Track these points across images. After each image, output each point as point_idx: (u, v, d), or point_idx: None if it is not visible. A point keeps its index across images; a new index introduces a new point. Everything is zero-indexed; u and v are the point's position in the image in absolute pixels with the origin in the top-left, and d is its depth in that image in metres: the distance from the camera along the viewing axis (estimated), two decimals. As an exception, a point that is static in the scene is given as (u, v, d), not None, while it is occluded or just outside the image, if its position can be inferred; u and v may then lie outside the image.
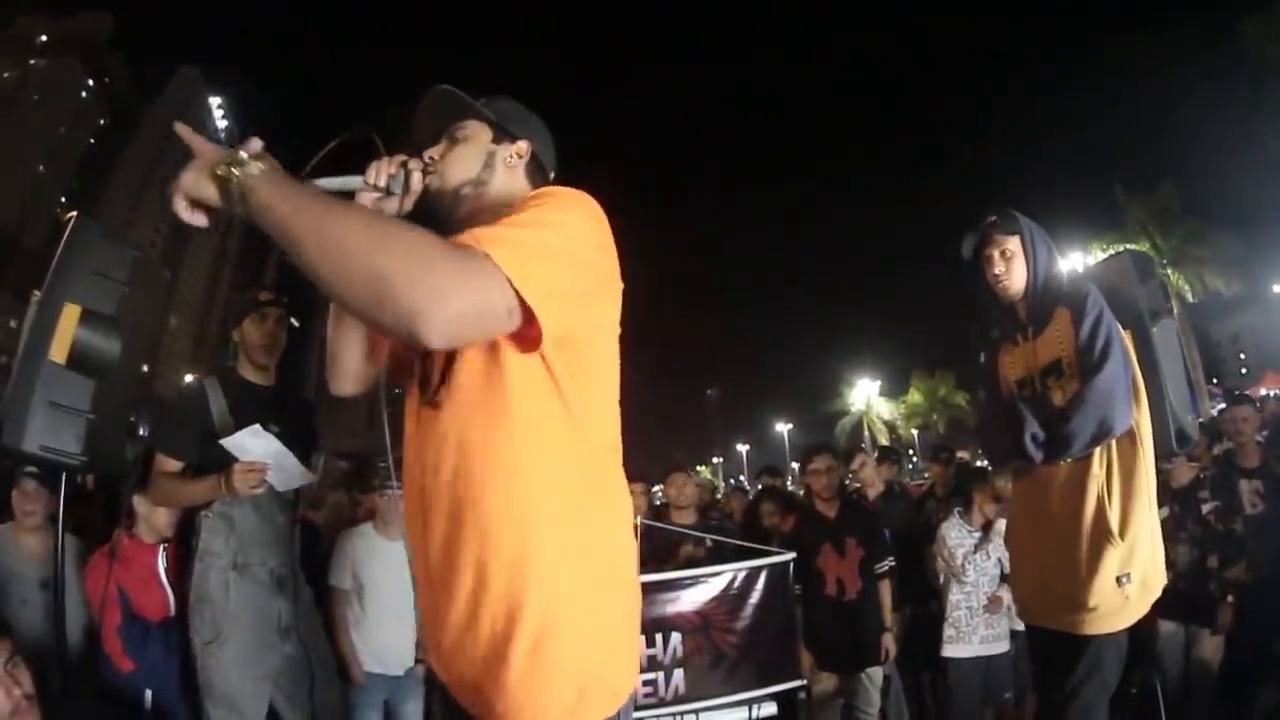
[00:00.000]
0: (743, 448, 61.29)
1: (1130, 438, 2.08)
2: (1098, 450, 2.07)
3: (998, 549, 3.85)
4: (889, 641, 3.76)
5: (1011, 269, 2.25)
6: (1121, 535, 2.02)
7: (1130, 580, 2.02)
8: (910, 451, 35.67)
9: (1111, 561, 2.01)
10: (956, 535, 3.99)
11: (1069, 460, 2.11)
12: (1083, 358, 2.10)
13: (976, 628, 3.85)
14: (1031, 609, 2.30)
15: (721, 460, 66.18)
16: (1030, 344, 2.27)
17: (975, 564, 3.91)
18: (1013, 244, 2.24)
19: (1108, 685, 2.07)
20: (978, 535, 3.96)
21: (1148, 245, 23.25)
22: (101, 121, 66.13)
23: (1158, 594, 2.09)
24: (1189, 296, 23.93)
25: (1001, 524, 3.81)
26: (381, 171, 1.25)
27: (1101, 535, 2.03)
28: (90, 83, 67.05)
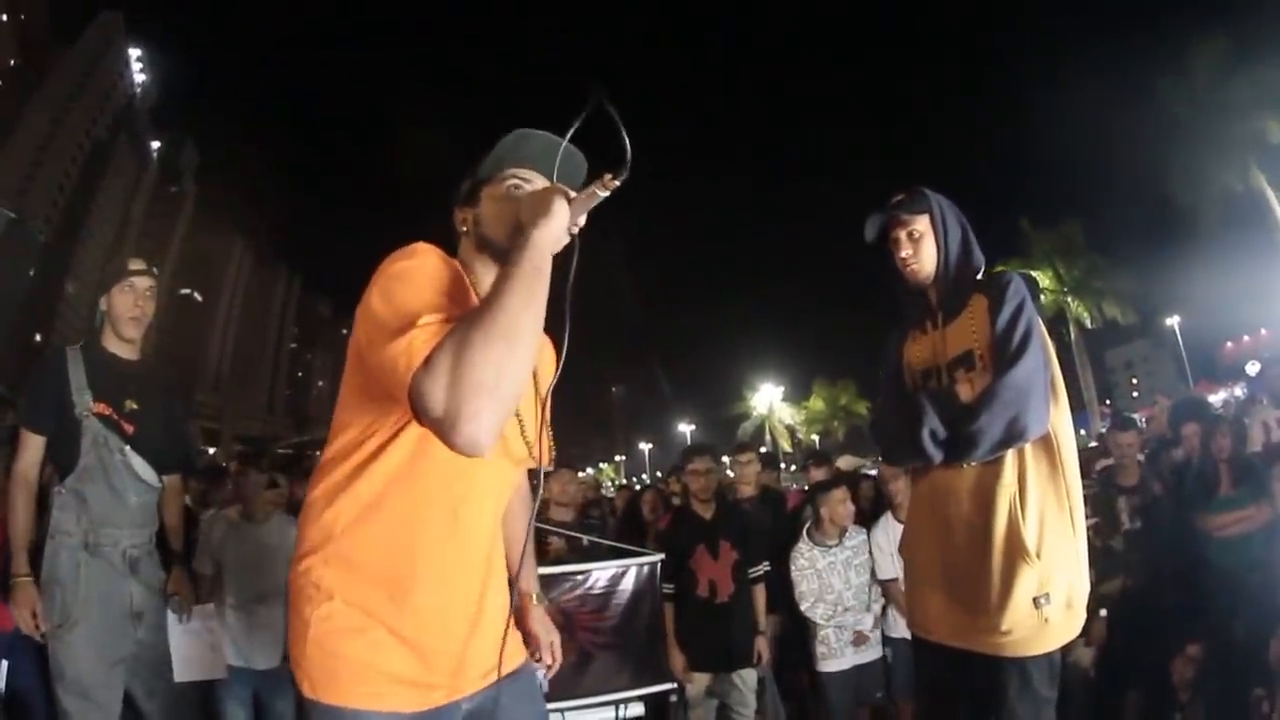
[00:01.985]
0: (645, 446, 61.93)
1: (1047, 442, 1.86)
2: (1010, 455, 1.85)
3: (860, 553, 3.96)
4: (761, 645, 3.80)
5: (920, 251, 2.03)
6: (1038, 553, 1.79)
7: (1050, 601, 1.80)
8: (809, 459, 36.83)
9: (1027, 581, 1.80)
10: (807, 558, 3.98)
11: (974, 464, 1.88)
12: (997, 349, 1.87)
13: (846, 645, 3.91)
14: (932, 626, 2.03)
15: (624, 458, 66.64)
16: (940, 332, 2.03)
17: (839, 576, 3.94)
18: (921, 224, 2.02)
19: (1045, 700, 1.85)
20: (833, 548, 3.97)
21: (1051, 274, 24.76)
22: (12, 62, 61.36)
23: (1083, 616, 1.88)
24: (1087, 323, 25.50)
25: (887, 529, 3.94)
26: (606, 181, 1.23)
27: (1015, 553, 1.80)
28: (4, 18, 61.91)
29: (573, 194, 1.20)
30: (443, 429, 1.03)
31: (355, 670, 1.22)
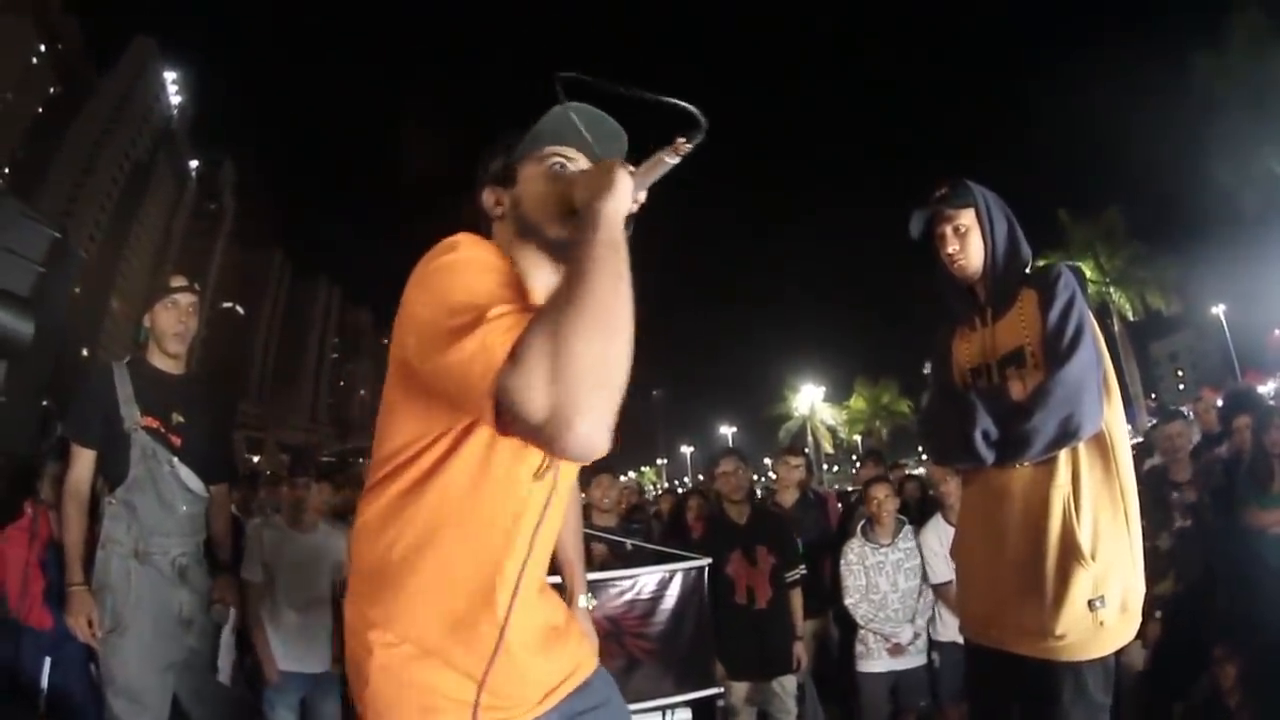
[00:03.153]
0: (687, 449, 61.67)
1: (1100, 441, 1.81)
2: (1063, 455, 1.80)
3: (910, 557, 3.92)
4: (800, 650, 3.78)
5: (967, 246, 1.98)
6: (1093, 555, 1.75)
7: (1105, 604, 1.75)
8: (854, 457, 36.55)
9: (1082, 584, 1.75)
10: (856, 553, 3.98)
11: (1028, 464, 1.84)
12: (1049, 346, 1.82)
13: (883, 650, 3.88)
14: (984, 631, 1.98)
15: (665, 462, 66.47)
16: (989, 329, 1.98)
17: (887, 577, 3.91)
18: (966, 218, 1.97)
19: (1100, 705, 1.79)
20: (884, 547, 3.96)
21: (1092, 264, 24.23)
22: (52, 90, 63.33)
23: (1139, 619, 1.82)
24: (1130, 315, 24.90)
25: (938, 531, 3.89)
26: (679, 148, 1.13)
27: (1069, 555, 1.76)
28: (42, 47, 63.67)
29: (632, 167, 1.10)
30: (548, 433, 0.87)
31: (425, 699, 1.15)
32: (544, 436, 0.88)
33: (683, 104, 1.05)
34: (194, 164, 79.60)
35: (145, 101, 71.63)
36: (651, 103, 1.06)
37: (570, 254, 1.00)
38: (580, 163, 1.26)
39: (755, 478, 4.05)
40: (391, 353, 1.14)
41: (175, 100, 76.82)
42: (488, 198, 1.29)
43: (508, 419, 0.90)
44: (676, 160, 1.10)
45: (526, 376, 0.87)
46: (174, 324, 2.61)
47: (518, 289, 1.10)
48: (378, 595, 1.18)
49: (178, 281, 2.67)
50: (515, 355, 0.89)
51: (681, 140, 1.08)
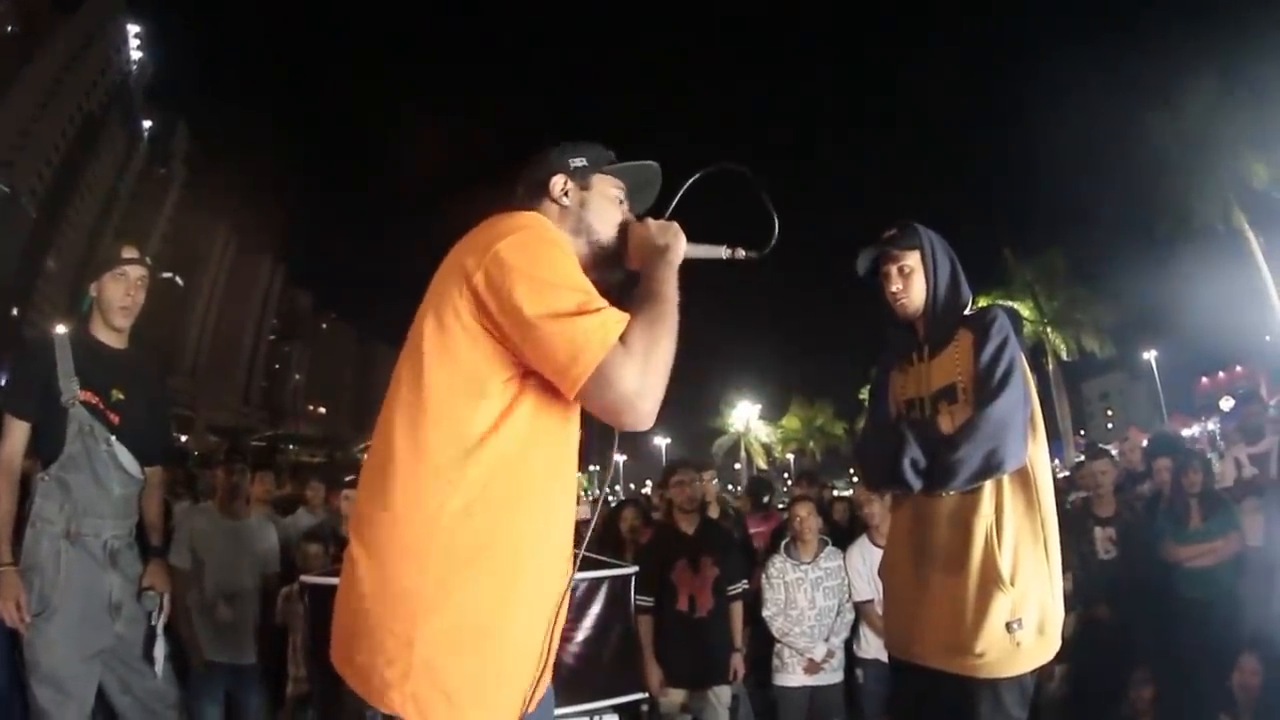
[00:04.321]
0: (619, 458, 61.51)
1: (1024, 475, 1.92)
2: (988, 486, 1.91)
3: (833, 576, 4.01)
4: (738, 662, 3.83)
5: (910, 286, 2.10)
6: (1012, 580, 1.86)
7: (1022, 626, 1.86)
8: (785, 475, 37.08)
9: (1001, 606, 1.85)
10: (778, 568, 4.07)
11: (953, 493, 1.94)
12: (980, 384, 1.93)
13: (798, 666, 3.96)
14: (907, 648, 2.08)
15: (598, 469, 66.43)
16: (926, 364, 2.09)
17: (805, 594, 3.99)
18: (911, 259, 2.09)
19: None
20: (805, 565, 4.03)
21: (1031, 305, 25.10)
22: (9, 28, 60.21)
23: (1058, 643, 1.92)
24: (1064, 355, 25.82)
25: (863, 551, 4.00)
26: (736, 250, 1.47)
27: (990, 580, 1.87)
28: None
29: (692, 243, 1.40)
30: (624, 404, 1.15)
31: (475, 688, 1.18)
32: (620, 406, 1.15)
33: (776, 226, 1.44)
34: (147, 124, 76.68)
35: (105, 53, 68.29)
36: (760, 203, 1.47)
37: (646, 283, 1.30)
38: (627, 204, 1.49)
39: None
40: (445, 323, 1.21)
41: (135, 55, 73.68)
42: (559, 183, 1.43)
43: (592, 389, 1.15)
44: (727, 258, 1.44)
45: (632, 359, 1.14)
46: (122, 296, 2.52)
47: None
48: (424, 574, 1.20)
49: (129, 253, 2.56)
50: (626, 340, 1.15)
51: (744, 250, 1.44)
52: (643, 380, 1.14)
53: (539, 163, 1.44)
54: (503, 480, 1.20)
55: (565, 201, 1.41)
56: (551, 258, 1.22)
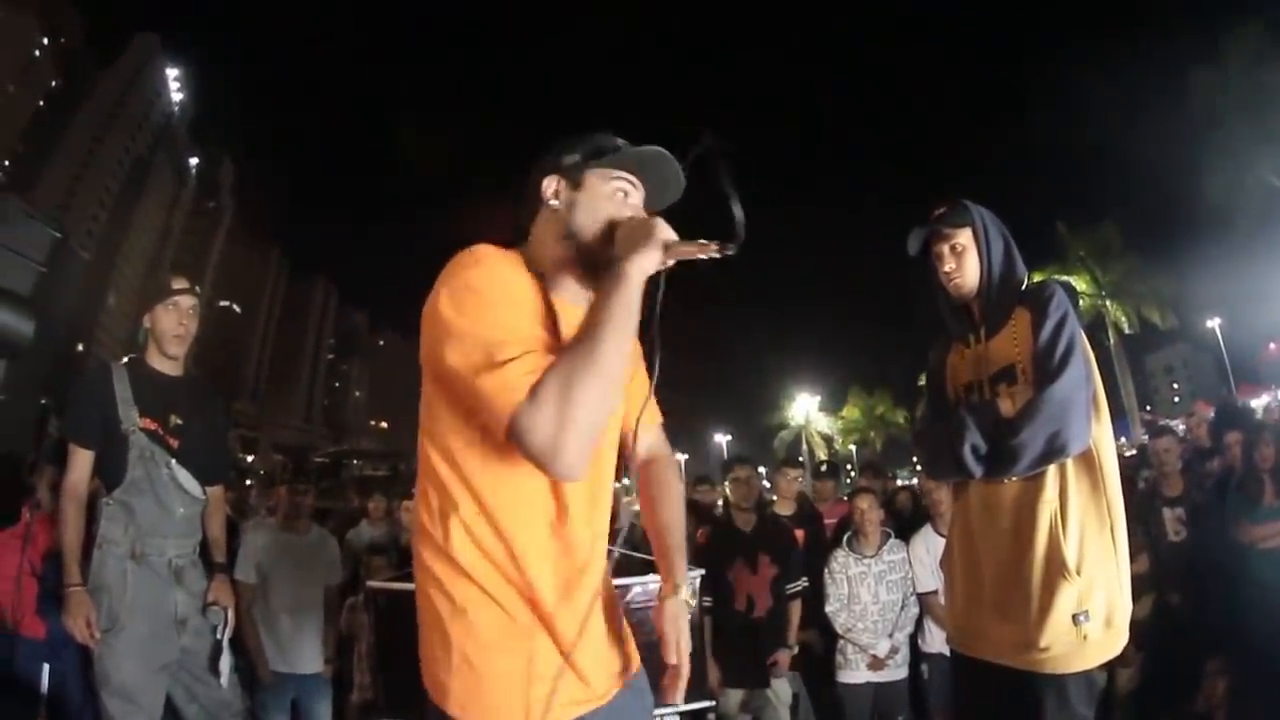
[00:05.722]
0: (681, 456, 61.62)
1: (1088, 458, 1.84)
2: (1051, 471, 1.83)
3: (896, 570, 3.92)
4: (783, 656, 3.78)
5: (963, 265, 2.01)
6: (1078, 570, 1.78)
7: (1089, 618, 1.78)
8: (848, 466, 36.62)
9: (1066, 598, 1.78)
10: (840, 563, 3.99)
11: (1015, 479, 1.87)
12: (1039, 363, 1.85)
13: (861, 662, 3.88)
14: (970, 641, 2.01)
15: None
16: (983, 346, 2.01)
17: (868, 589, 3.91)
18: (964, 237, 2.01)
19: (1082, 718, 1.82)
20: (868, 558, 3.95)
21: (1088, 278, 24.31)
22: (53, 84, 62.95)
23: (1125, 636, 1.84)
24: (1125, 328, 24.98)
25: (927, 541, 3.90)
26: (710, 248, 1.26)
27: (1055, 569, 1.79)
28: (45, 41, 62.60)
29: (675, 237, 1.20)
30: (543, 460, 1.08)
31: (511, 683, 1.20)
32: (540, 461, 1.09)
33: (740, 220, 1.17)
34: (194, 161, 79.51)
35: (146, 97, 71.43)
36: (726, 198, 1.18)
37: (592, 307, 1.17)
38: (636, 197, 1.34)
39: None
40: (423, 351, 1.25)
41: (176, 97, 76.56)
42: (549, 185, 1.34)
43: (515, 442, 1.09)
44: (709, 257, 1.21)
45: (536, 415, 1.07)
46: (174, 326, 2.61)
47: (534, 307, 1.24)
48: (454, 578, 1.24)
49: (179, 283, 2.66)
50: (533, 396, 1.08)
51: (718, 245, 1.19)
52: (556, 435, 1.06)
53: (535, 166, 1.37)
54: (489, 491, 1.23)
55: (555, 204, 1.33)
56: (472, 305, 1.16)
